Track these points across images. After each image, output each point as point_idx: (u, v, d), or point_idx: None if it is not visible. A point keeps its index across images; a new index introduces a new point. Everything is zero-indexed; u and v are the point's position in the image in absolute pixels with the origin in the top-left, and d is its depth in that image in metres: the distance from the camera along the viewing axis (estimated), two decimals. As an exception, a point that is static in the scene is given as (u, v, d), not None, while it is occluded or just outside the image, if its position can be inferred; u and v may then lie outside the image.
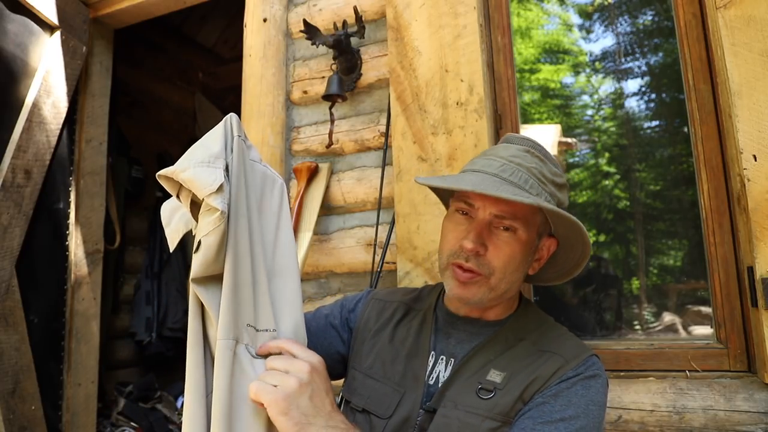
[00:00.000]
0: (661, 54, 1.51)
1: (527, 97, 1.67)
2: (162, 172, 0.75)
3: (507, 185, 0.83)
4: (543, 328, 0.92)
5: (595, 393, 0.80)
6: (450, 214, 0.93)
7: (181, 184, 0.76)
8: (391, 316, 1.01)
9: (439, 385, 0.87)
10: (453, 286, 0.88)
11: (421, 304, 1.02)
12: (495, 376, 0.83)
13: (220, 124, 0.79)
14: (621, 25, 1.58)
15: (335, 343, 1.02)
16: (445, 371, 0.89)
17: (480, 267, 0.84)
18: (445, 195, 1.07)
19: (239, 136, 0.78)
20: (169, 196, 0.82)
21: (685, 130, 1.38)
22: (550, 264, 0.98)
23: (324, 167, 1.71)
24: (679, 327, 1.39)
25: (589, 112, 1.63)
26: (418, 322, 0.98)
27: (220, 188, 0.71)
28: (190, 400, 0.71)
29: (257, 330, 0.75)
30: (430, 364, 0.91)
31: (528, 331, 0.90)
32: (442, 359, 0.91)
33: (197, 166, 0.72)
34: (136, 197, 3.39)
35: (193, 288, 0.74)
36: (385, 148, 1.60)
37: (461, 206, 0.89)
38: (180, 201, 0.78)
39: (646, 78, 1.52)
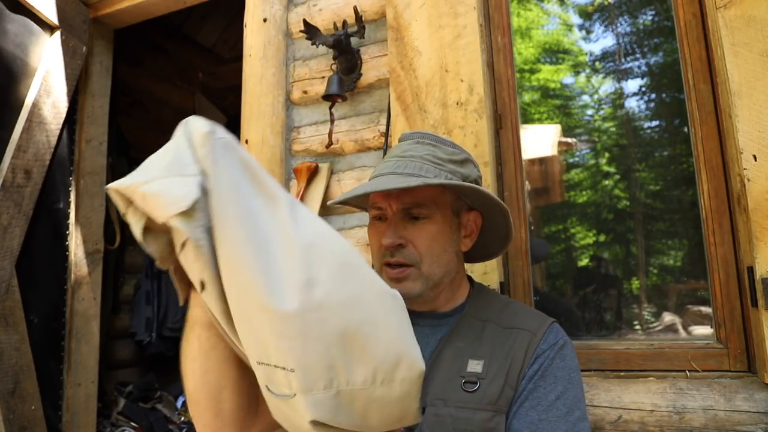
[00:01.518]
0: (661, 54, 1.51)
1: (527, 97, 1.67)
2: (114, 185, 0.58)
3: (403, 178, 0.88)
4: (500, 305, 0.96)
5: (571, 360, 0.87)
6: (370, 223, 0.98)
7: (132, 203, 0.59)
8: None
9: None
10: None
11: None
12: (475, 366, 0.86)
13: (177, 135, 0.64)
14: (621, 25, 1.58)
15: None
16: None
17: (406, 258, 0.89)
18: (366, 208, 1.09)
19: (220, 138, 0.62)
20: None
21: (685, 130, 1.38)
22: (487, 235, 1.02)
23: (324, 167, 1.71)
24: (679, 327, 1.39)
25: (589, 112, 1.63)
26: None
27: (192, 207, 0.54)
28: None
29: None
30: None
31: (488, 312, 0.94)
32: None
33: (166, 177, 0.56)
34: (136, 197, 3.39)
35: None
36: (385, 148, 1.60)
37: (374, 212, 0.95)
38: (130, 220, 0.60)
39: (646, 78, 1.52)
